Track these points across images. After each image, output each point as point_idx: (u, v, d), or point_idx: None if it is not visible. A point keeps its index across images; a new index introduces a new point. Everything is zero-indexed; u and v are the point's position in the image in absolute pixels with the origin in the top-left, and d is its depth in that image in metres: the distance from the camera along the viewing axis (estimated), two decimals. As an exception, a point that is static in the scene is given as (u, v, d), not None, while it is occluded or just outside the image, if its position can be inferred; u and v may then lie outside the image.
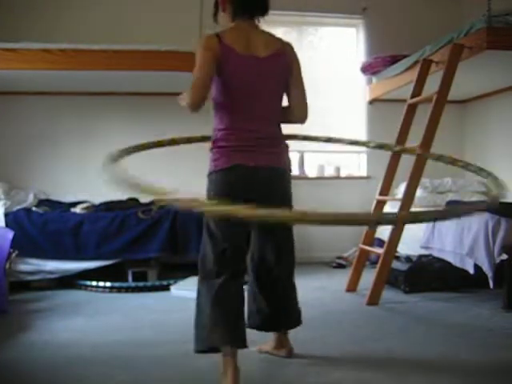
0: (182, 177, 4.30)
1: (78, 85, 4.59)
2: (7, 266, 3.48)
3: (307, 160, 5.35)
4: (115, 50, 3.93)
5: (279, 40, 2.22)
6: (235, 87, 2.09)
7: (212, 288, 2.08)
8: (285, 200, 2.19)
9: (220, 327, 2.04)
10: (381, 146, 2.84)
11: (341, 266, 4.80)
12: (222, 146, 2.09)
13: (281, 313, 2.33)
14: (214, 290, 2.07)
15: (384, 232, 3.89)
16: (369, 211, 3.97)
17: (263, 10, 2.19)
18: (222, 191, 2.07)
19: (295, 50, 2.24)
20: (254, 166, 2.07)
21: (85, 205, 4.27)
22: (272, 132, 2.18)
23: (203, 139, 2.41)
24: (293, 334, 2.41)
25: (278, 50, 2.16)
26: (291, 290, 2.37)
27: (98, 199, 4.48)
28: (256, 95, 2.12)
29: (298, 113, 2.25)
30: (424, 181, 4.62)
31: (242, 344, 2.08)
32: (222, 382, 2.01)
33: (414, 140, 3.58)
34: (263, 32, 2.20)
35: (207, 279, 2.12)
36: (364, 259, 3.85)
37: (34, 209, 4.16)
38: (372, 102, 5.30)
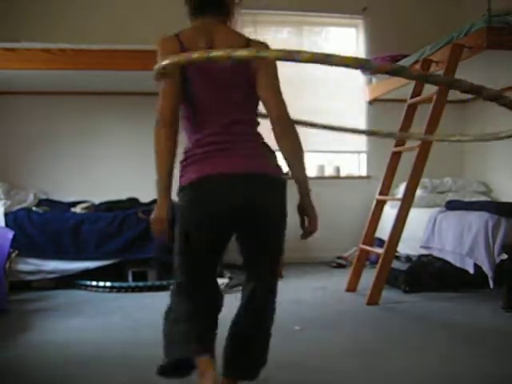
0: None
1: (78, 85, 4.59)
2: (7, 265, 3.49)
3: (307, 160, 5.34)
4: (115, 50, 3.94)
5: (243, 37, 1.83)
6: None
7: None
8: None
9: None
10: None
11: (341, 266, 4.80)
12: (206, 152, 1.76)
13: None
14: None
15: (384, 232, 3.89)
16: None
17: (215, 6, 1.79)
18: None
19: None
20: None
21: (85, 205, 4.27)
22: None
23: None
24: (292, 334, 2.41)
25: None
26: None
27: (98, 199, 4.48)
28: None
29: None
30: (424, 181, 4.62)
31: None
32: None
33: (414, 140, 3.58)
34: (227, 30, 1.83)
35: None
36: (364, 259, 3.85)
37: (34, 209, 4.16)
38: (372, 102, 5.29)
